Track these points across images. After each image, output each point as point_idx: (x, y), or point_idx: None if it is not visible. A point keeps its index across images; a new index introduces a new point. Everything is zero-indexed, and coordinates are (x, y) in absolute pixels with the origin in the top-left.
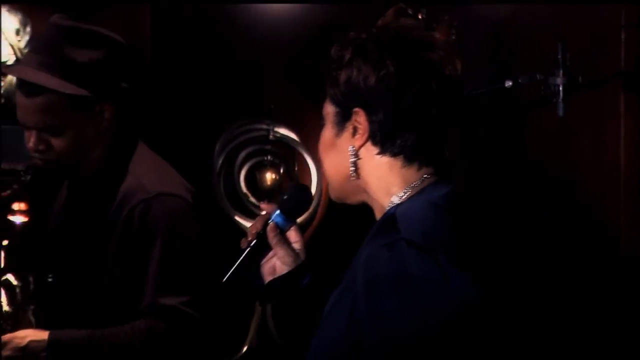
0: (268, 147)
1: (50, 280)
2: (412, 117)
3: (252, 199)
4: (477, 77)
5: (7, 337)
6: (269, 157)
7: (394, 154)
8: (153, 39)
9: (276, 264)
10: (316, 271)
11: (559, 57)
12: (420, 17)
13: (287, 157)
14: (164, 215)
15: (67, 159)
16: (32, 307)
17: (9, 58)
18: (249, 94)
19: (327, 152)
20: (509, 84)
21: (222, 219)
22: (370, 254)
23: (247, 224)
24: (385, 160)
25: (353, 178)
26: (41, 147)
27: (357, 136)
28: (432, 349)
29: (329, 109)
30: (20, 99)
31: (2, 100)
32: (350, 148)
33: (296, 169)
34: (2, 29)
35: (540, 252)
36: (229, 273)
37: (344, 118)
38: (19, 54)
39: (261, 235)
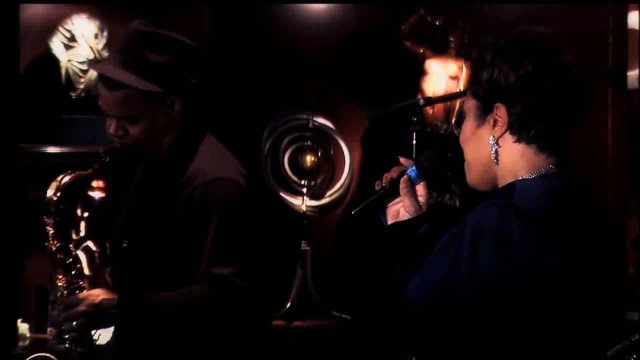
0: (308, 134)
1: (124, 245)
2: (546, 111)
3: (294, 178)
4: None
5: (83, 294)
6: (308, 142)
7: (528, 143)
8: (211, 39)
9: (400, 210)
10: (433, 223)
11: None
12: (438, 23)
13: (324, 142)
14: (220, 197)
15: (141, 143)
16: (108, 269)
17: (89, 58)
18: (293, 88)
19: (468, 142)
20: None
21: (269, 195)
22: (482, 208)
23: (289, 199)
24: (519, 147)
25: (494, 163)
26: (120, 133)
27: (497, 127)
28: (514, 306)
29: (471, 104)
30: (102, 92)
31: (83, 94)
32: (490, 137)
33: (332, 152)
34: (84, 34)
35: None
36: (360, 207)
37: (485, 111)
38: (97, 55)
39: (394, 183)
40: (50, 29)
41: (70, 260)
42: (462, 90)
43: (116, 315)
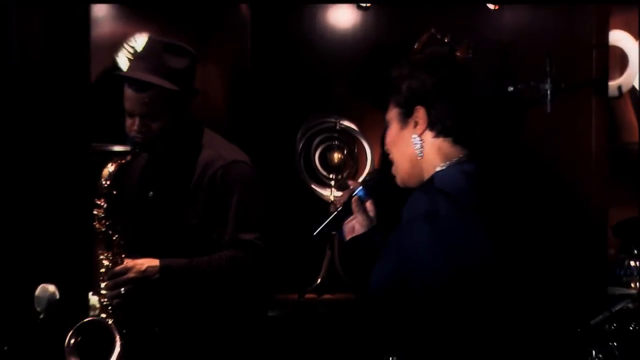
0: (335, 134)
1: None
2: (458, 109)
3: (323, 172)
4: (488, 84)
5: (130, 263)
6: (336, 142)
7: (445, 136)
8: (252, 55)
9: (355, 226)
10: (384, 231)
11: (547, 69)
12: (446, 40)
13: (349, 142)
14: (238, 175)
15: (160, 137)
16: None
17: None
18: (323, 96)
19: (395, 145)
20: (510, 88)
21: (301, 187)
22: (411, 197)
23: (320, 190)
24: (437, 142)
25: (419, 157)
26: (143, 129)
27: (419, 126)
28: (454, 276)
29: (393, 113)
30: (129, 94)
31: None
32: (414, 136)
33: (356, 150)
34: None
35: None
36: (320, 228)
37: (406, 116)
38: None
39: (347, 204)
40: (116, 45)
41: (116, 237)
42: None
43: (159, 280)
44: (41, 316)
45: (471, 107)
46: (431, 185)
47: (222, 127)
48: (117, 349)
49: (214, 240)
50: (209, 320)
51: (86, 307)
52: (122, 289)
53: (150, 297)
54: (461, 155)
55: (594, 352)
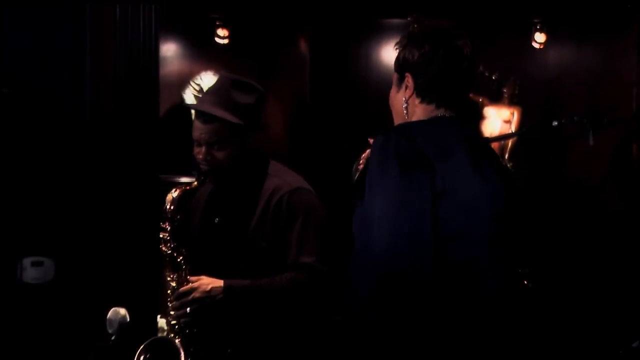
0: None
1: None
2: (441, 79)
3: None
4: (534, 118)
5: (195, 284)
6: None
7: (428, 103)
8: (311, 87)
9: None
10: None
11: (590, 105)
12: (494, 77)
13: None
14: (302, 201)
15: (225, 165)
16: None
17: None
18: (377, 128)
19: (392, 102)
20: (555, 123)
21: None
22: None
23: None
24: (422, 106)
25: (405, 116)
26: (209, 158)
27: (407, 91)
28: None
29: (394, 76)
30: (197, 124)
31: None
32: (403, 99)
33: None
34: (209, 86)
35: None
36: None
37: (400, 80)
38: (197, 95)
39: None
40: (183, 83)
41: (181, 259)
42: (513, 131)
43: (223, 299)
44: (113, 338)
45: (453, 79)
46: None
47: (283, 159)
48: None
49: (279, 263)
50: (277, 342)
51: (155, 329)
52: (188, 309)
53: (218, 318)
54: (441, 114)
55: None
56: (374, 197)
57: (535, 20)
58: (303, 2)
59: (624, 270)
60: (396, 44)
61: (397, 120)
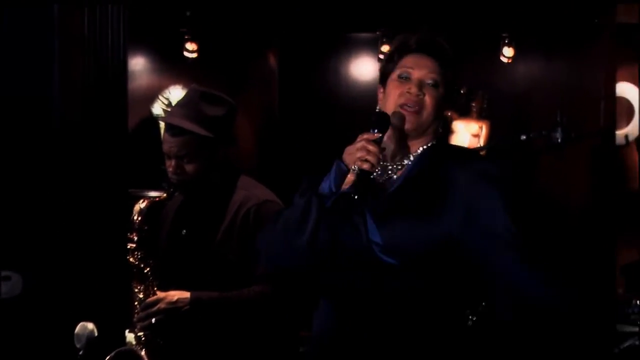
0: None
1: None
2: None
3: None
4: (503, 132)
5: (161, 295)
6: None
7: None
8: (280, 101)
9: None
10: None
11: (558, 119)
12: (462, 91)
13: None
14: (270, 214)
15: (194, 178)
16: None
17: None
18: (346, 142)
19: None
20: (523, 137)
21: None
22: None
23: None
24: None
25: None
26: (178, 171)
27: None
28: None
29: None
30: (167, 137)
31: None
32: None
33: None
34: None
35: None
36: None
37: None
38: (166, 109)
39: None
40: (152, 97)
41: (148, 270)
42: (482, 145)
43: (189, 311)
44: (80, 353)
45: None
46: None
47: (252, 172)
48: None
49: (247, 276)
50: (244, 355)
51: (123, 343)
52: (153, 320)
53: (184, 329)
54: None
55: None
56: None
57: (504, 35)
58: (272, 17)
59: (593, 282)
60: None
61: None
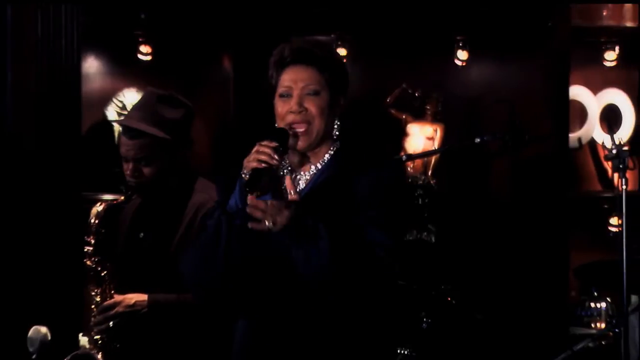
0: None
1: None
2: None
3: None
4: (457, 135)
5: (119, 298)
6: None
7: None
8: (235, 104)
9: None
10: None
11: (511, 121)
12: (417, 94)
13: None
14: None
15: (152, 181)
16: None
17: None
18: None
19: None
20: (477, 140)
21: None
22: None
23: None
24: None
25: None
26: (136, 174)
27: None
28: None
29: None
30: (124, 140)
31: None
32: None
33: None
34: (132, 103)
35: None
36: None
37: None
38: (120, 112)
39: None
40: (106, 100)
41: (105, 273)
42: (436, 148)
43: (147, 314)
44: (34, 357)
45: None
46: None
47: (207, 176)
48: None
49: None
50: (198, 358)
51: (77, 347)
52: (111, 323)
53: (141, 332)
54: None
55: None
56: None
57: (458, 38)
58: (227, 20)
59: (546, 284)
60: None
61: None
